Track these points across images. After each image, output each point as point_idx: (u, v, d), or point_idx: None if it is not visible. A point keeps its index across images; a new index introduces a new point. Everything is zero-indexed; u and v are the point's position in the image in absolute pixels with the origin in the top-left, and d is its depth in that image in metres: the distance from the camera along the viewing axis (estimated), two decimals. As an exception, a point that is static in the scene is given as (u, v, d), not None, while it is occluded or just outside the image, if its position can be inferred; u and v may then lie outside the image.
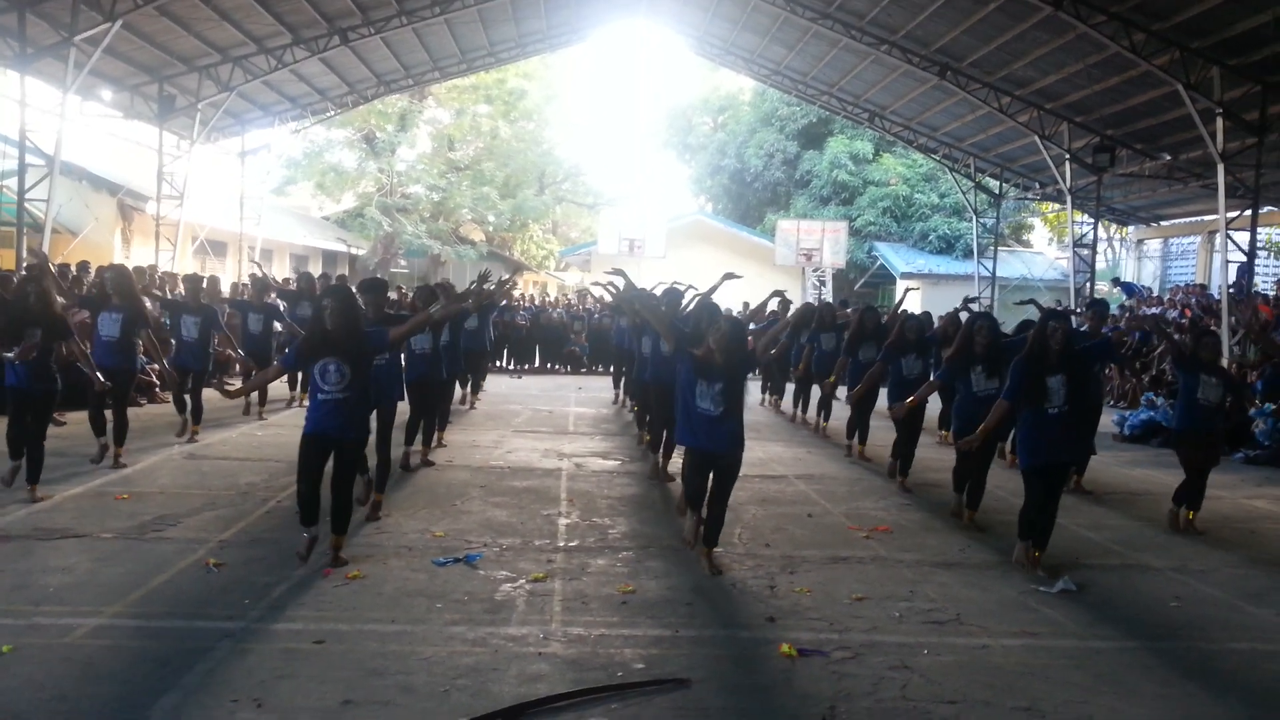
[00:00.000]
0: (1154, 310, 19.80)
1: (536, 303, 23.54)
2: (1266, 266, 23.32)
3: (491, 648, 4.42)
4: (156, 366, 12.36)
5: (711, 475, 5.77)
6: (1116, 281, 24.73)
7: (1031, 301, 8.82)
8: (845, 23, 17.85)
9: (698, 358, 5.70)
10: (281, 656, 4.22)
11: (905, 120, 23.18)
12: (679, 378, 5.98)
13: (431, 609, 4.91)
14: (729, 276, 7.12)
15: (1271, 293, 18.36)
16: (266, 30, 17.21)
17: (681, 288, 9.85)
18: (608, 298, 11.55)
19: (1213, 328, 14.23)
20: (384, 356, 6.45)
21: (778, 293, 8.44)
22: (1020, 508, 6.15)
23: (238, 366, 13.20)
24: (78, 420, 8.51)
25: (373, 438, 6.79)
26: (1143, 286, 23.60)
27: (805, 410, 12.51)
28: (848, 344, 10.30)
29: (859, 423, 9.90)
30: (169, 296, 12.39)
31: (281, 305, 11.91)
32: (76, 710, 3.64)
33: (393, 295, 13.91)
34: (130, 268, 9.62)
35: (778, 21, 19.40)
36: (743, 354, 5.83)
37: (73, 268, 13.83)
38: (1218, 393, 7.22)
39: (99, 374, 7.87)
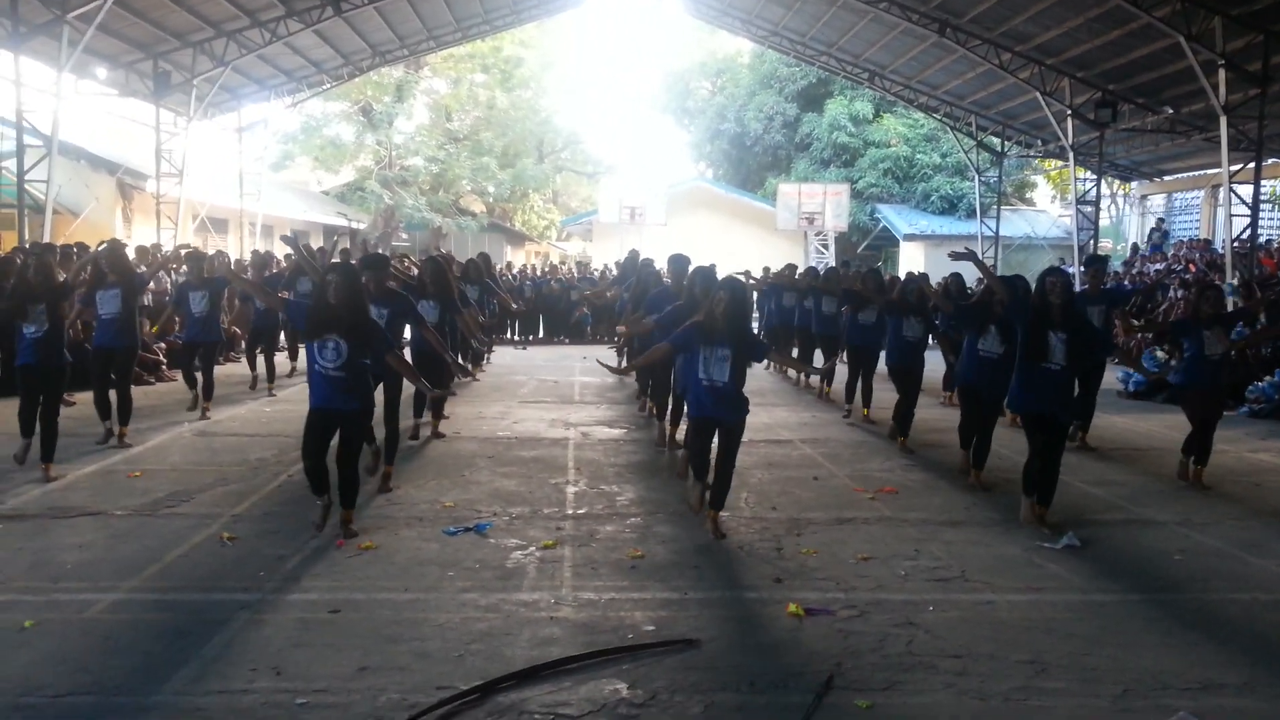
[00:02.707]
0: (1158, 266, 19.77)
1: (539, 273, 23.51)
2: (1270, 219, 23.21)
3: (504, 613, 4.50)
4: (163, 344, 12.47)
5: (716, 438, 5.82)
6: (1161, 222, 24.28)
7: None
8: (843, -19, 17.69)
9: (700, 325, 5.71)
10: (298, 626, 4.29)
11: (905, 79, 23.01)
12: (685, 352, 5.98)
13: (444, 577, 4.98)
14: None
15: (1275, 244, 18.30)
16: (259, 3, 17.10)
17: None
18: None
19: (1216, 282, 14.21)
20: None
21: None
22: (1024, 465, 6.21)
23: (244, 343, 13.26)
24: (87, 400, 8.56)
25: (381, 410, 6.89)
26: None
27: (809, 375, 12.55)
28: (850, 304, 10.30)
29: (862, 387, 9.94)
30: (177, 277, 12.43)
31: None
32: (98, 682, 3.72)
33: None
34: (136, 246, 9.63)
35: (775, -18, 19.23)
36: (746, 319, 5.86)
37: (75, 249, 13.84)
38: (1220, 341, 7.23)
39: (101, 351, 7.95)
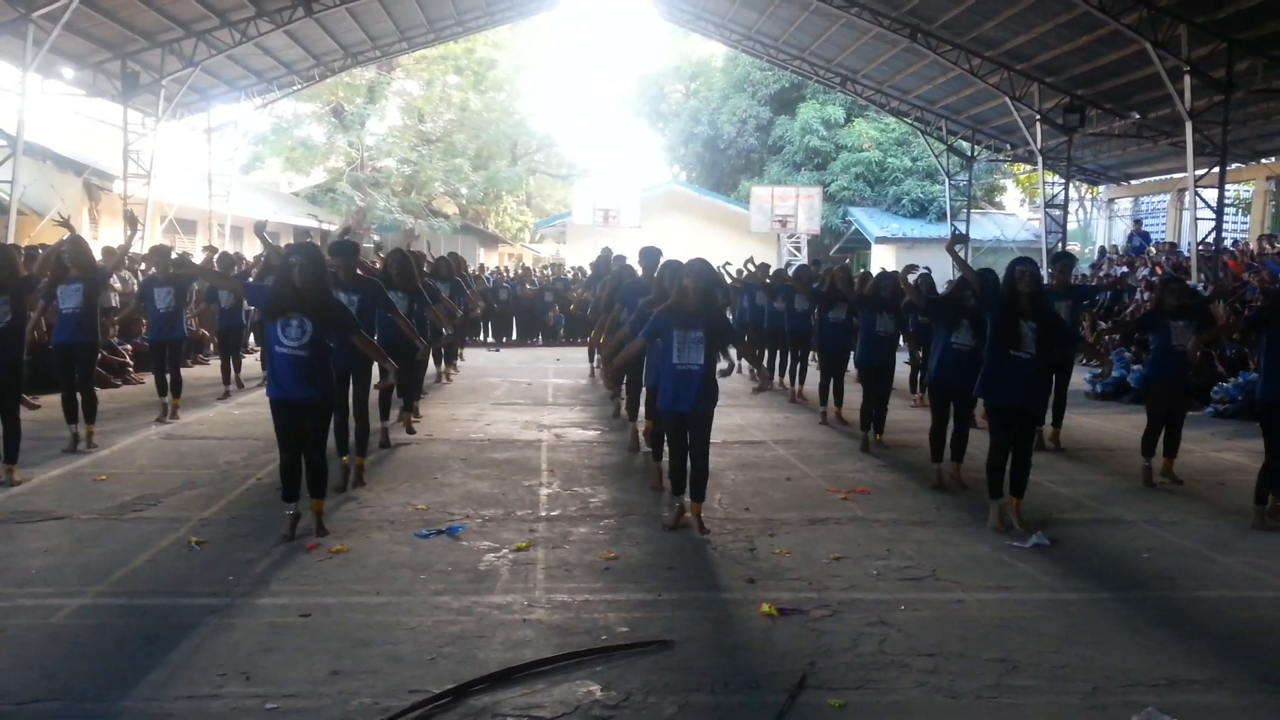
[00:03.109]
0: (1122, 270, 20.02)
1: (513, 275, 23.45)
2: (1235, 223, 23.60)
3: (476, 616, 4.47)
4: (130, 346, 12.31)
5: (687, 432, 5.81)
6: (1139, 224, 24.11)
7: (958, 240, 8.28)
8: (815, -14, 17.78)
9: (671, 309, 5.70)
10: (267, 630, 4.25)
11: (877, 84, 23.17)
12: (658, 338, 5.93)
13: (416, 580, 4.95)
14: None
15: (1240, 245, 18.58)
16: (229, 3, 16.94)
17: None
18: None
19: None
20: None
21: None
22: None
23: (212, 345, 13.13)
24: (51, 404, 8.44)
25: (351, 405, 6.85)
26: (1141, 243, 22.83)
27: (782, 376, 12.60)
28: (820, 304, 10.28)
29: (833, 387, 9.97)
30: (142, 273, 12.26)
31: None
32: (65, 688, 3.66)
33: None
34: (103, 248, 9.48)
35: (748, -14, 19.31)
36: (715, 298, 5.86)
37: (40, 250, 13.64)
38: (1189, 334, 7.29)
39: (62, 349, 7.80)
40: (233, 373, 11.29)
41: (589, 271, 18.21)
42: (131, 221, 9.57)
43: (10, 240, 13.32)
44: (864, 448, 8.59)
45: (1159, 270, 18.43)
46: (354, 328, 5.72)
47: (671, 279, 6.11)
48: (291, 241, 26.23)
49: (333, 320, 5.52)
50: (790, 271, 13.06)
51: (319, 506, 5.65)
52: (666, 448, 6.25)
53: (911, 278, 7.95)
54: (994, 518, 6.10)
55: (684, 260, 6.12)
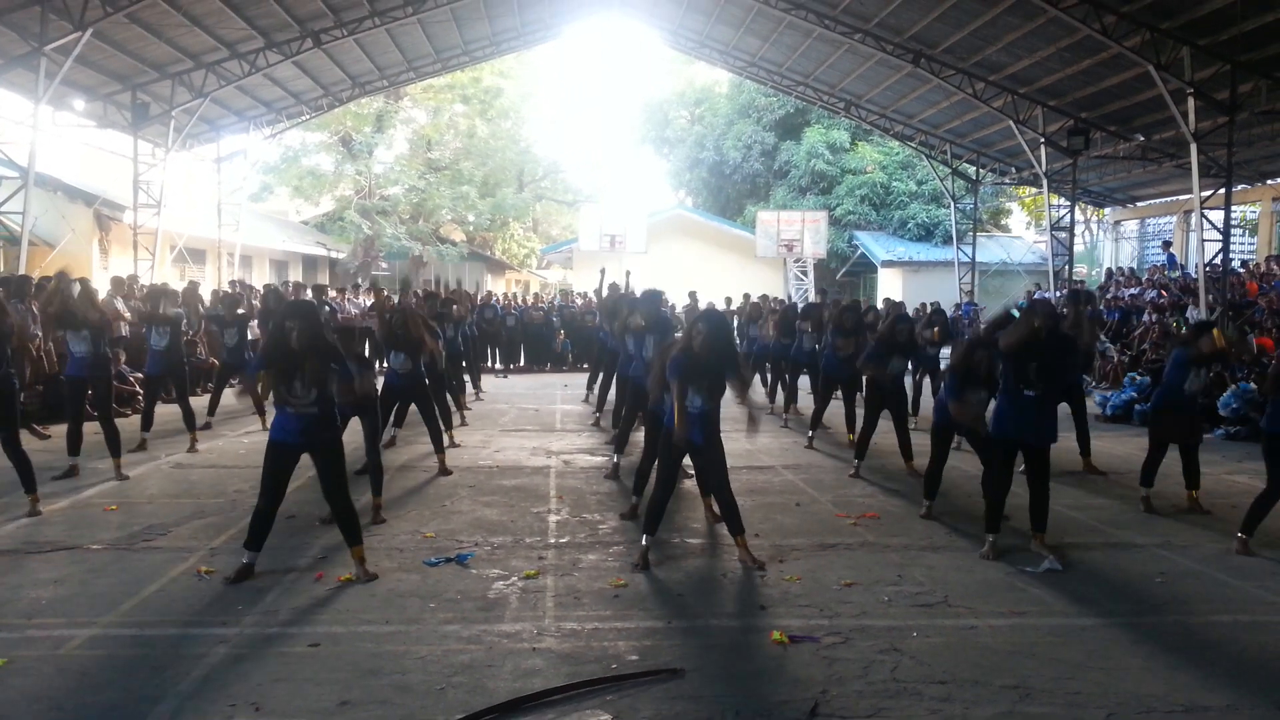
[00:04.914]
0: (1133, 291, 19.99)
1: (520, 302, 23.52)
2: (1241, 244, 23.58)
3: (486, 645, 4.46)
4: (139, 375, 12.34)
5: (704, 469, 5.79)
6: (1168, 245, 23.77)
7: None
8: (818, 13, 17.92)
9: (685, 366, 5.61)
10: (277, 660, 4.23)
11: (881, 108, 23.29)
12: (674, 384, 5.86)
13: (425, 609, 4.93)
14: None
15: (1252, 264, 18.54)
16: (238, 35, 17.12)
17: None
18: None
19: (1190, 311, 14.38)
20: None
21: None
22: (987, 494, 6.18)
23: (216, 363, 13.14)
24: (62, 434, 8.46)
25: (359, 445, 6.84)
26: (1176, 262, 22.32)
27: (792, 403, 12.58)
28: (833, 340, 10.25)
29: (845, 411, 9.97)
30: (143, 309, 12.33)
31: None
32: (74, 719, 3.66)
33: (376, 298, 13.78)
34: (112, 277, 9.56)
35: (751, 13, 19.46)
36: (727, 347, 5.86)
37: (53, 279, 13.74)
38: (1201, 381, 7.30)
39: (74, 381, 7.88)
40: (232, 403, 11.25)
41: (594, 299, 18.24)
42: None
43: (21, 270, 13.42)
44: (908, 465, 8.61)
45: (1164, 293, 18.40)
46: (336, 395, 5.51)
47: (646, 308, 6.01)
48: (300, 272, 26.33)
49: (330, 378, 5.36)
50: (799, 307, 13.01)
51: (360, 553, 5.44)
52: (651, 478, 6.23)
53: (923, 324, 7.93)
54: (987, 549, 6.03)
55: (690, 289, 6.14)
